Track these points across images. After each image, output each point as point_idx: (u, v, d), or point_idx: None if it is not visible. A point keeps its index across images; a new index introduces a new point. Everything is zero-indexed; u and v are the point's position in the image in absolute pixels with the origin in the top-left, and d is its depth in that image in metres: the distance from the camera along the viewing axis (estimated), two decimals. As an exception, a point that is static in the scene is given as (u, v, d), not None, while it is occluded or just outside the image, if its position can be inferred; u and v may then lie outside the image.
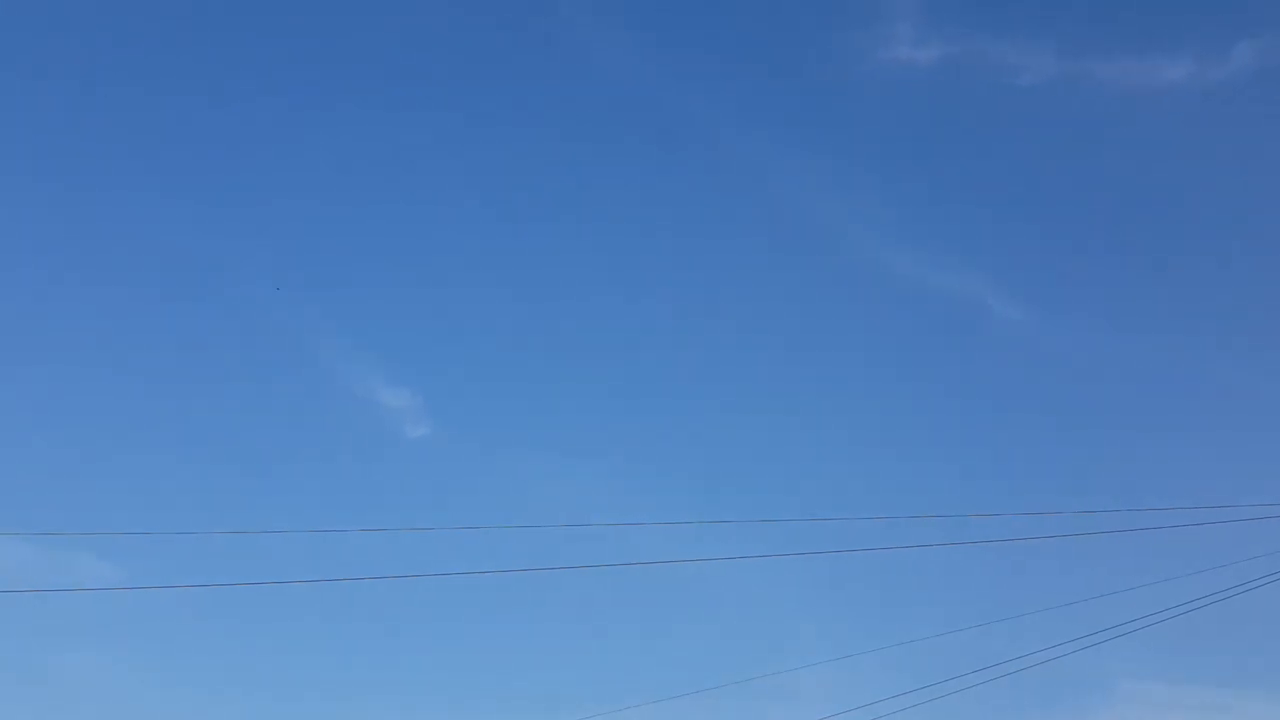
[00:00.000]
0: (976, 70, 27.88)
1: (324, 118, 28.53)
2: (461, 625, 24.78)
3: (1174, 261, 27.51)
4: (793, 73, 28.48)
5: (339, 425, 26.58)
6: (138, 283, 27.33)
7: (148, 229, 27.56)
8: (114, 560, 21.62)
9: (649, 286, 27.83)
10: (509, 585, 22.11)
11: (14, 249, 27.32)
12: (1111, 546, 18.61)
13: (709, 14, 28.69)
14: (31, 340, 26.80)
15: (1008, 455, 26.50)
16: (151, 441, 26.00)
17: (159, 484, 25.37)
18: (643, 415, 26.93)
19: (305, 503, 25.26)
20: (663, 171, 28.47)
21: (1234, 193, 27.20)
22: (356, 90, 28.68)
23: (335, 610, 23.56)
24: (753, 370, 27.43)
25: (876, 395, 27.18)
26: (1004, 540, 17.97)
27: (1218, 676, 23.34)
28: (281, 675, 24.16)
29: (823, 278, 27.88)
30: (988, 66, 27.86)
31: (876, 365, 27.39)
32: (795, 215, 27.93)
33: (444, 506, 24.99)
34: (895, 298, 27.34)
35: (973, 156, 28.44)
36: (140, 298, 27.27)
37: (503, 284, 27.79)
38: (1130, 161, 27.79)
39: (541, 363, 27.21)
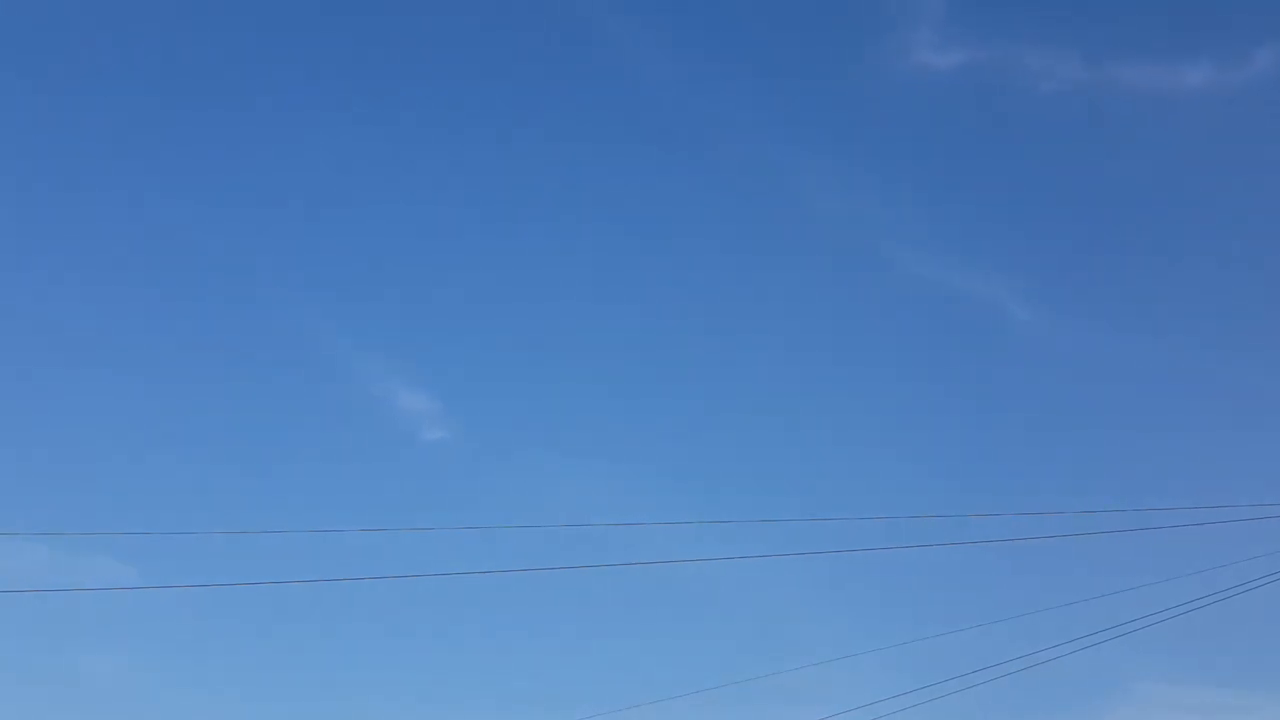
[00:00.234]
0: (999, 76, 28.14)
1: (345, 119, 28.68)
2: (461, 625, 24.83)
3: (1195, 265, 27.65)
4: (817, 78, 28.69)
5: (356, 428, 26.79)
6: (157, 285, 27.51)
7: (167, 232, 27.71)
8: (132, 562, 21.64)
9: (670, 291, 27.98)
10: (509, 585, 22.14)
11: (32, 250, 27.50)
12: (1112, 546, 18.62)
13: (733, 20, 28.82)
14: (52, 343, 26.98)
15: (1008, 455, 26.59)
16: (170, 443, 26.17)
17: (176, 485, 25.56)
18: (652, 417, 27.10)
19: (320, 504, 25.37)
20: (684, 176, 28.66)
21: (1254, 197, 27.28)
22: (381, 92, 28.85)
23: (335, 610, 23.63)
24: (760, 371, 27.55)
25: (878, 395, 27.28)
26: (1004, 540, 17.97)
27: (1218, 676, 23.38)
28: (283, 675, 24.26)
29: (838, 280, 28.05)
30: (1011, 72, 28.10)
31: (881, 365, 27.51)
32: (814, 218, 28.12)
33: (459, 508, 25.07)
34: (912, 300, 27.52)
35: (995, 161, 28.64)
36: (160, 300, 27.44)
37: (522, 288, 27.97)
38: (1152, 166, 27.95)
39: (559, 366, 27.37)
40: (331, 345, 27.09)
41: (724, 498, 25.29)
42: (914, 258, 27.60)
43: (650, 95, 28.48)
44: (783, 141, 28.49)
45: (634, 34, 28.46)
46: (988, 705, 19.25)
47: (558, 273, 28.14)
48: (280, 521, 24.06)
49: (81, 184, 27.75)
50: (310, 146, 28.41)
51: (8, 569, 21.65)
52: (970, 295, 27.47)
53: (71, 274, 27.34)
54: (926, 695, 18.05)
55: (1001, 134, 28.40)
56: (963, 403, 27.25)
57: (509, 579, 19.54)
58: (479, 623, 24.73)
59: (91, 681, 23.72)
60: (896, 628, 22.70)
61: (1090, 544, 17.86)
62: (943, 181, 28.35)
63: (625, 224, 28.25)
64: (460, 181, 28.46)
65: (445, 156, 28.56)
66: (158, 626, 23.60)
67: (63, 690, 23.28)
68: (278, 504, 25.35)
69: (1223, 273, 27.24)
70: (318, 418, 26.63)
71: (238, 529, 20.83)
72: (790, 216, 28.10)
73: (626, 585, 23.17)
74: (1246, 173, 27.31)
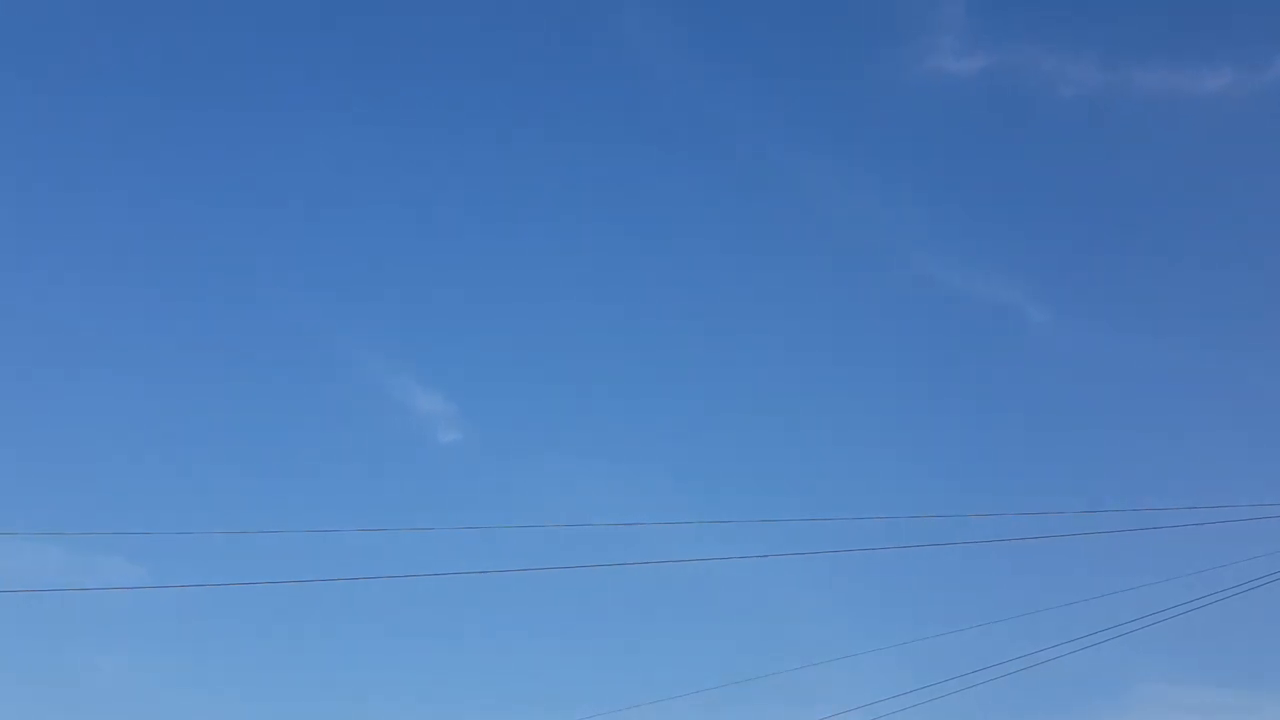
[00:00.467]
0: (1016, 80, 28.24)
1: (349, 119, 28.70)
2: (461, 625, 24.84)
3: (1206, 267, 27.66)
4: (833, 82, 28.79)
5: (372, 430, 26.85)
6: (173, 287, 27.56)
7: (176, 232, 27.78)
8: (142, 562, 21.68)
9: (683, 292, 28.05)
10: (509, 585, 22.15)
11: (37, 250, 27.51)
12: (1112, 546, 18.62)
13: (752, 24, 28.91)
14: (66, 343, 27.01)
15: (1008, 455, 26.61)
16: (185, 445, 26.27)
17: (189, 486, 25.68)
18: (656, 417, 27.16)
19: (337, 505, 25.43)
20: (699, 178, 28.76)
21: (1270, 201, 27.30)
22: (385, 93, 28.91)
23: (336, 610, 23.65)
24: (763, 371, 27.62)
25: (878, 395, 27.30)
26: (1004, 540, 17.96)
27: (1219, 677, 23.38)
28: (285, 675, 24.28)
29: (848, 281, 28.14)
30: (1027, 77, 28.21)
31: (882, 365, 27.57)
32: (828, 220, 28.22)
33: (474, 509, 25.12)
34: (918, 301, 27.61)
35: (1011, 165, 28.69)
36: (172, 301, 27.51)
37: (528, 288, 28.02)
38: (1167, 169, 28.00)
39: (568, 367, 27.42)
40: (348, 348, 27.31)
41: (724, 497, 25.37)
42: (925, 259, 27.73)
43: (663, 96, 28.63)
44: (798, 144, 28.64)
45: (647, 36, 28.58)
46: (988, 705, 19.28)
47: (565, 273, 28.29)
48: (294, 523, 24.08)
49: (82, 184, 27.85)
50: (322, 147, 28.53)
51: (21, 569, 21.81)
52: (979, 297, 27.62)
53: (81, 274, 27.52)
54: (926, 695, 18.06)
55: (1018, 138, 28.57)
56: (963, 403, 27.33)
57: (509, 579, 19.56)
58: (479, 623, 24.78)
59: (97, 681, 23.86)
60: (896, 628, 22.74)
61: (1090, 544, 17.90)
62: (958, 184, 28.52)
63: (636, 225, 28.42)
64: (469, 182, 28.60)
65: (455, 157, 28.71)
66: (164, 626, 23.76)
67: (69, 690, 23.42)
68: (291, 505, 25.49)
69: (1233, 275, 27.35)
70: (332, 420, 26.85)
71: (249, 530, 20.96)
72: (804, 219, 28.25)
73: (626, 585, 23.22)
74: (1262, 177, 27.43)
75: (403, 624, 24.32)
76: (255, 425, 26.60)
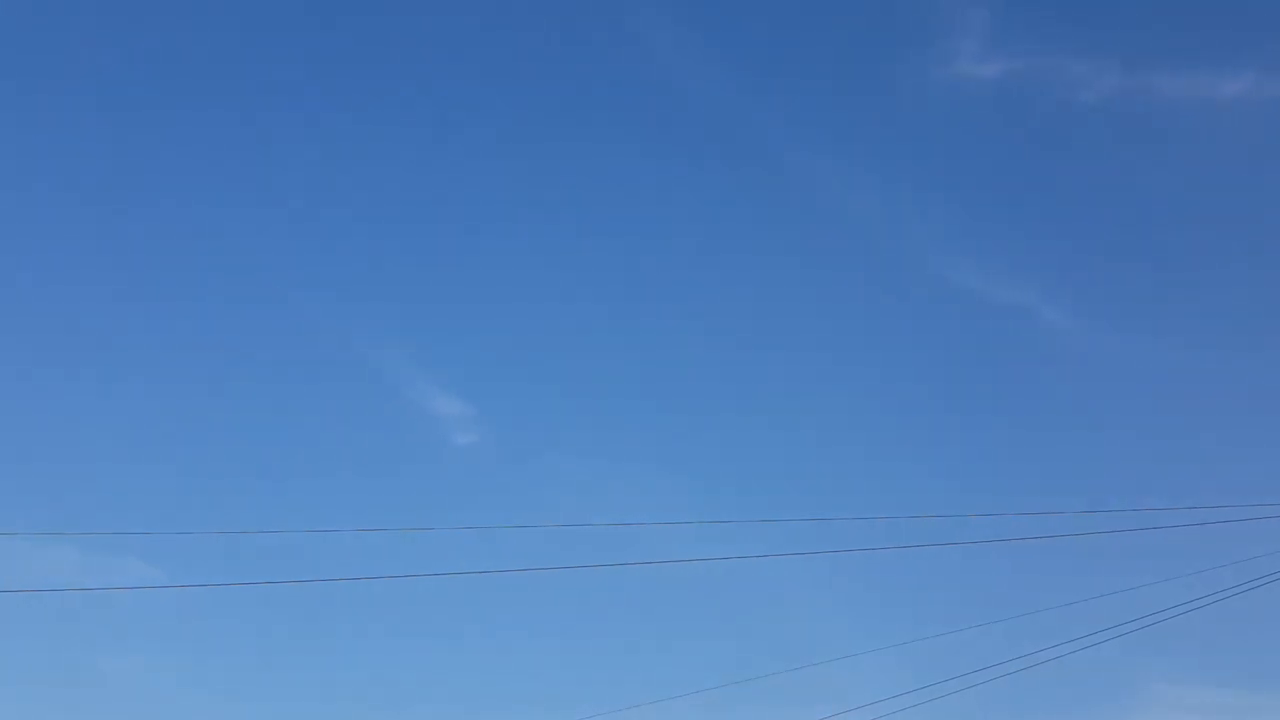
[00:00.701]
0: (1039, 86, 28.17)
1: (378, 121, 28.73)
2: (461, 625, 24.86)
3: (1219, 269, 27.61)
4: (856, 88, 28.76)
5: (390, 432, 26.88)
6: (191, 289, 27.59)
7: (202, 237, 27.80)
8: (160, 564, 21.69)
9: (707, 295, 28.01)
10: (509, 585, 22.15)
11: (67, 254, 27.57)
12: (1112, 546, 18.62)
13: (774, 30, 28.83)
14: (83, 346, 27.05)
15: (1008, 455, 26.59)
16: (203, 446, 26.26)
17: (208, 488, 25.67)
18: (660, 418, 27.12)
19: (354, 507, 25.41)
20: (719, 182, 28.70)
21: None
22: (417, 99, 28.88)
23: (336, 611, 23.67)
24: (766, 372, 27.59)
25: (879, 396, 27.27)
26: (1004, 540, 17.96)
27: (1219, 677, 23.37)
28: (285, 675, 24.32)
29: (861, 284, 28.01)
30: (1050, 82, 28.15)
31: (884, 366, 27.50)
32: (848, 224, 28.16)
33: (489, 511, 25.07)
34: (929, 304, 27.58)
35: (1034, 170, 28.64)
36: (193, 304, 27.50)
37: (547, 288, 28.09)
38: (1191, 174, 27.96)
39: (593, 371, 27.42)
40: (361, 349, 27.28)
41: (724, 497, 25.36)
42: (943, 261, 27.69)
43: (680, 98, 28.57)
44: (816, 147, 28.59)
45: (665, 39, 28.50)
46: (988, 705, 19.28)
47: (583, 276, 28.29)
48: (309, 524, 24.11)
49: (111, 186, 27.82)
50: (337, 147, 28.52)
51: (37, 570, 21.84)
52: (995, 299, 27.60)
53: (114, 281, 27.55)
54: (926, 695, 18.07)
55: (1038, 142, 28.53)
56: (969, 403, 27.33)
57: (509, 579, 19.56)
58: (479, 623, 24.79)
59: (111, 682, 23.90)
60: (896, 628, 22.72)
61: (1090, 544, 17.90)
62: (977, 188, 28.51)
63: (654, 228, 28.39)
64: (486, 185, 28.54)
65: (472, 160, 28.65)
66: (180, 627, 23.83)
67: (82, 690, 23.46)
68: (308, 507, 25.45)
69: (1252, 277, 27.32)
70: (350, 422, 26.85)
71: (249, 530, 20.99)
72: (821, 221, 28.15)
73: (626, 585, 23.22)
74: (1283, 181, 27.40)
75: (403, 624, 24.41)
76: (273, 427, 26.68)
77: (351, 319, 27.42)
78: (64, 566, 22.09)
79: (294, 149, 28.41)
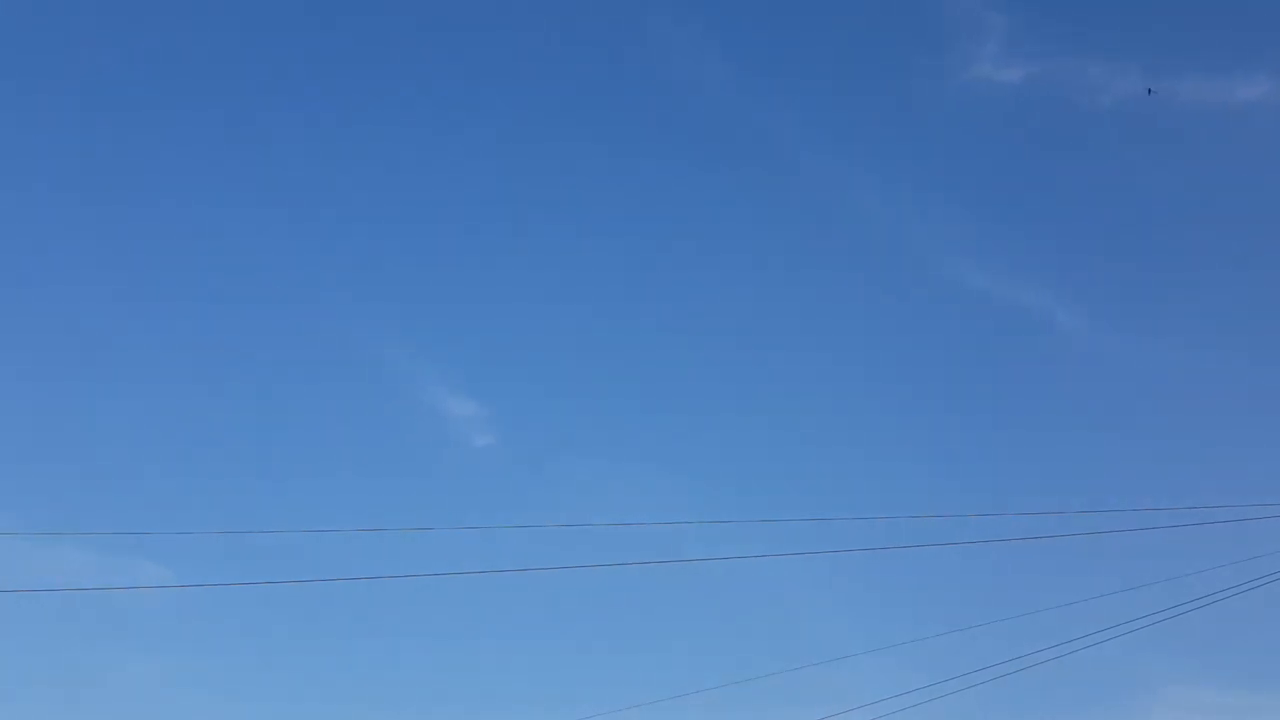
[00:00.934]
0: (1057, 90, 28.42)
1: (395, 124, 28.87)
2: (461, 625, 24.86)
3: (1249, 275, 27.69)
4: (875, 92, 28.99)
5: (407, 435, 27.03)
6: (209, 291, 27.72)
7: (202, 237, 27.93)
8: (175, 566, 21.78)
9: (724, 297, 28.13)
10: (509, 585, 22.15)
11: (67, 254, 27.73)
12: (1112, 546, 18.62)
13: (791, 34, 29.01)
14: (98, 349, 27.18)
15: (1008, 455, 26.64)
16: (221, 448, 26.42)
17: (224, 489, 25.82)
18: (663, 418, 27.21)
19: (371, 509, 25.41)
20: (736, 186, 28.86)
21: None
22: (417, 99, 29.05)
23: (337, 610, 23.68)
24: (770, 373, 27.68)
25: (880, 396, 27.35)
26: (1004, 540, 17.97)
27: (1220, 677, 23.40)
28: (287, 674, 24.39)
29: (872, 285, 28.21)
30: (1068, 86, 28.40)
31: (885, 367, 27.64)
32: (867, 226, 28.32)
33: (506, 512, 25.07)
34: (940, 305, 27.75)
35: (1054, 174, 28.83)
36: (211, 306, 27.67)
37: (562, 289, 28.18)
38: (1208, 178, 28.07)
39: (610, 374, 27.56)
40: (377, 351, 27.45)
41: (725, 497, 25.37)
42: (959, 264, 27.88)
43: (698, 103, 28.72)
44: (834, 151, 28.83)
45: (683, 44, 28.70)
46: (988, 705, 19.28)
47: (599, 279, 28.43)
48: (322, 526, 24.18)
49: (111, 186, 28.02)
50: (364, 158, 28.76)
51: (53, 571, 21.85)
52: (1009, 302, 27.79)
53: (129, 285, 27.70)
54: (926, 695, 18.07)
55: (1057, 146, 28.70)
56: (975, 404, 27.42)
57: (510, 579, 19.57)
58: (479, 623, 24.80)
59: (125, 682, 24.00)
60: (896, 628, 22.74)
61: (1090, 544, 17.90)
62: (995, 192, 28.75)
63: (671, 231, 28.56)
64: (504, 190, 28.70)
65: (490, 164, 28.79)
66: (194, 628, 23.94)
67: (97, 690, 23.60)
68: (326, 509, 25.51)
69: (1267, 280, 27.40)
70: (367, 424, 27.04)
71: (250, 529, 21.03)
72: (837, 224, 28.43)
73: (627, 585, 23.22)
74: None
75: (404, 624, 24.41)
76: (290, 429, 26.86)
77: (368, 322, 27.68)
78: (69, 566, 22.15)
79: (294, 149, 28.53)
